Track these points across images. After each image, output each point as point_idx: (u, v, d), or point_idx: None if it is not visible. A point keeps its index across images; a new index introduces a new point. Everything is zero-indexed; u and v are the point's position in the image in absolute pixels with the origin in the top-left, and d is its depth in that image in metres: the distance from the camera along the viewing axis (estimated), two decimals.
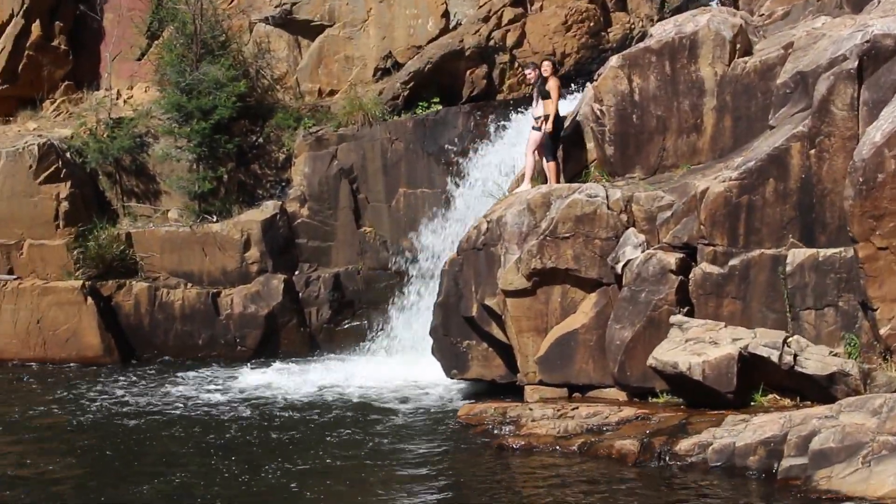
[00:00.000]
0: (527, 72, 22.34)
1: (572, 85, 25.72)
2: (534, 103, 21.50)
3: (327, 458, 16.76)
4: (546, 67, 21.20)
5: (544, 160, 20.97)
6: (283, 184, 27.84)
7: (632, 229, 19.03)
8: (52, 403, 21.53)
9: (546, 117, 20.87)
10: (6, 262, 27.15)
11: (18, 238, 27.09)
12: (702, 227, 18.38)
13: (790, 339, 16.90)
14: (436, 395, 21.49)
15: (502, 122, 25.84)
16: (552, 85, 20.93)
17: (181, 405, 21.06)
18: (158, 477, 15.79)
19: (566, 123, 21.32)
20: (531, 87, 22.23)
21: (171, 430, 19.00)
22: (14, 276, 27.01)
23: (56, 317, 26.60)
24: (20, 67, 30.12)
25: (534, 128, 21.25)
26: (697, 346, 17.15)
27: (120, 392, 22.55)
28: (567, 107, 22.42)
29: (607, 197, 19.36)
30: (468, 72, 27.72)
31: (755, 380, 16.97)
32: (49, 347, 26.66)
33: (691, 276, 18.45)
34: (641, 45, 20.83)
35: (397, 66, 28.23)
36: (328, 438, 18.01)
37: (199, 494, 14.91)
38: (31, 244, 27.09)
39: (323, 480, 15.49)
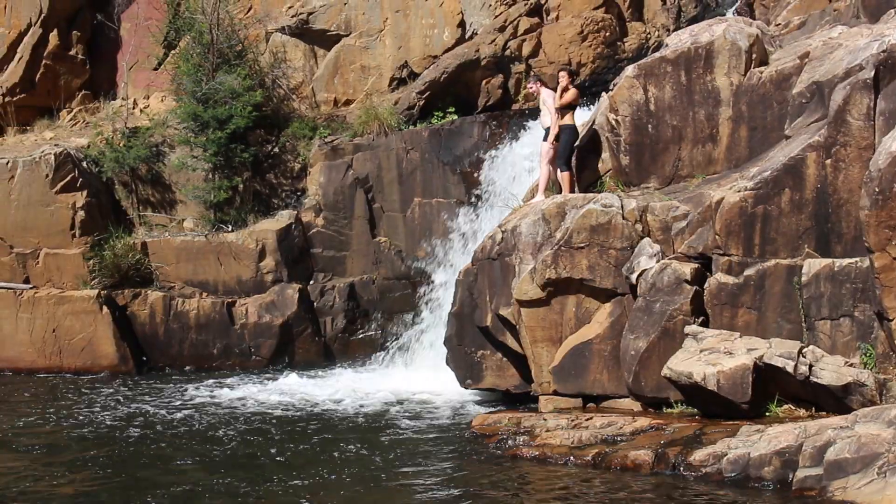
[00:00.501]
0: (529, 85, 22.39)
1: (587, 95, 25.71)
2: (541, 114, 21.57)
3: (339, 467, 16.71)
4: (563, 77, 21.24)
5: (558, 170, 20.98)
6: (299, 193, 27.87)
7: (647, 239, 18.99)
8: (65, 412, 21.52)
9: (560, 128, 20.95)
10: (22, 270, 27.19)
11: (34, 247, 27.14)
12: (717, 237, 18.33)
13: (805, 349, 16.82)
14: (450, 405, 21.44)
15: (517, 132, 25.84)
16: (567, 97, 20.98)
17: (192, 415, 21.02)
18: (164, 488, 15.73)
19: (581, 133, 21.30)
20: (536, 98, 22.30)
21: (178, 440, 18.95)
22: (30, 286, 27.06)
23: (71, 326, 26.64)
24: (37, 76, 30.28)
25: (545, 139, 21.33)
26: (712, 357, 17.09)
27: (133, 401, 22.54)
28: (582, 117, 22.41)
29: (622, 207, 19.33)
30: (484, 81, 27.75)
31: (770, 390, 16.91)
32: (64, 356, 26.69)
33: (706, 286, 18.40)
34: (657, 54, 20.80)
35: (413, 75, 28.28)
36: (341, 448, 17.96)
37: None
38: (47, 253, 27.13)
39: (336, 491, 15.43)
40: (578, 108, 21.81)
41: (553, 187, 21.19)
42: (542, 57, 27.60)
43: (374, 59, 28.73)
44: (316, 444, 18.43)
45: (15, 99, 30.17)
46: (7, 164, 27.26)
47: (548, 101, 21.35)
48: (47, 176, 26.94)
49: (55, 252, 27.12)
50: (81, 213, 27.08)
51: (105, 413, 21.40)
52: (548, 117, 21.33)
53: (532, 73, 23.36)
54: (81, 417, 21.02)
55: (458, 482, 15.85)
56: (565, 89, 21.14)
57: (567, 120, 21.14)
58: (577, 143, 21.12)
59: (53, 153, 27.21)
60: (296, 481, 15.90)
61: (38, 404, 22.49)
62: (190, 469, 16.93)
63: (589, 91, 26.17)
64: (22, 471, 16.84)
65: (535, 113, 25.83)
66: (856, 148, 17.43)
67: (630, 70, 20.70)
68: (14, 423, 20.68)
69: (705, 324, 18.22)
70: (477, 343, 21.15)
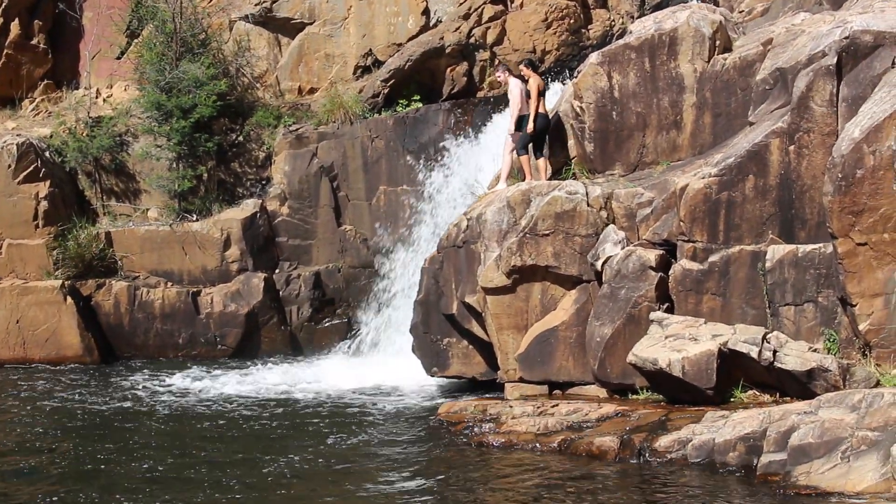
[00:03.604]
0: (497, 74, 22.34)
1: (553, 82, 25.72)
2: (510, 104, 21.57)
3: (304, 456, 16.69)
4: (524, 71, 21.21)
5: (531, 157, 20.95)
6: (264, 182, 27.78)
7: (612, 226, 19.03)
8: (28, 405, 21.42)
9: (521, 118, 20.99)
10: None
11: None
12: (681, 223, 18.38)
13: (770, 335, 16.88)
14: (416, 393, 21.46)
15: (483, 119, 25.82)
16: (531, 84, 20.93)
17: (155, 405, 20.98)
18: (127, 478, 15.70)
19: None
20: (504, 87, 22.24)
21: (141, 430, 18.90)
22: None
23: (35, 316, 26.48)
24: None
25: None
26: (677, 343, 17.15)
27: (96, 392, 22.46)
28: (547, 104, 22.41)
29: (587, 194, 19.37)
30: (448, 69, 27.71)
31: (735, 376, 16.98)
32: (29, 347, 26.53)
33: (671, 272, 18.46)
34: (621, 41, 20.83)
35: (378, 63, 28.21)
36: (305, 438, 17.95)
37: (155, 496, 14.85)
38: (10, 244, 26.95)
39: (300, 480, 15.43)
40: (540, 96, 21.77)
41: (517, 175, 21.18)
42: (507, 44, 27.56)
43: (339, 47, 28.65)
44: (279, 433, 18.41)
45: None
46: None
47: (514, 90, 21.32)
48: (9, 166, 26.76)
49: (18, 243, 26.95)
50: (45, 204, 26.91)
51: (68, 404, 21.32)
52: (515, 107, 21.30)
53: (498, 62, 23.28)
54: (45, 408, 20.93)
55: (424, 470, 15.87)
56: (527, 81, 21.09)
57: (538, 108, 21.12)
58: (544, 130, 21.07)
59: (16, 143, 27.02)
60: (258, 470, 15.88)
61: (1, 395, 22.37)
62: (153, 459, 16.83)
63: (554, 78, 26.17)
64: None
65: (500, 101, 25.88)
66: (819, 134, 17.50)
67: (594, 57, 20.71)
68: None
69: (670, 310, 18.28)
70: (443, 331, 21.15)
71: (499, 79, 22.37)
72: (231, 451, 17.25)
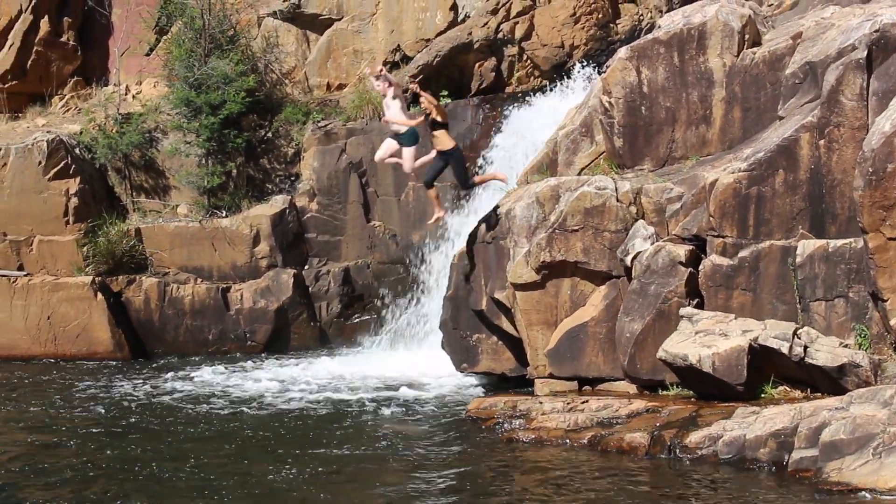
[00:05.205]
0: (377, 84, 21.74)
1: (578, 78, 25.76)
2: (388, 114, 21.34)
3: (333, 452, 16.71)
4: (423, 100, 20.82)
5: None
6: (293, 178, 27.85)
7: (641, 221, 18.99)
8: (60, 399, 21.53)
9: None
10: (16, 258, 27.15)
11: (28, 234, 27.09)
12: (711, 218, 18.32)
13: (800, 330, 16.83)
14: (445, 389, 21.46)
15: (511, 115, 25.80)
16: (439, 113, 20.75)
17: (186, 401, 21.04)
18: (158, 472, 15.76)
19: (574, 115, 21.27)
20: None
21: (173, 425, 18.96)
22: (24, 272, 27.03)
23: (66, 313, 26.61)
24: (29, 63, 30.21)
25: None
26: (707, 339, 17.10)
27: (126, 387, 22.54)
28: (576, 100, 22.42)
29: (616, 189, 19.32)
30: (477, 64, 27.69)
31: (765, 371, 16.93)
32: (59, 343, 26.68)
33: (701, 267, 18.39)
34: (650, 36, 20.72)
35: (406, 59, 28.23)
36: (336, 433, 17.97)
37: (194, 493, 14.88)
38: (41, 240, 27.09)
39: (329, 476, 15.44)
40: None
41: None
42: (535, 39, 27.54)
43: (367, 42, 28.68)
44: (308, 429, 18.45)
45: (6, 86, 30.10)
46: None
47: (391, 105, 21.07)
48: (40, 163, 26.89)
49: (49, 239, 27.08)
50: (75, 200, 27.03)
51: (99, 399, 21.42)
52: (401, 115, 21.10)
53: (381, 72, 22.20)
54: (76, 403, 21.04)
55: (455, 466, 15.88)
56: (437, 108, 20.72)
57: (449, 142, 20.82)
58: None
59: (46, 140, 27.16)
60: (290, 465, 15.90)
61: (33, 391, 22.51)
62: (178, 453, 16.87)
63: (581, 73, 26.17)
64: (9, 456, 16.83)
65: (529, 95, 25.87)
66: (849, 128, 17.42)
67: (623, 52, 20.63)
68: (8, 408, 20.74)
69: (700, 306, 18.22)
70: (472, 327, 21.15)
71: (378, 89, 21.70)
72: (257, 448, 17.26)
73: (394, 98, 20.99)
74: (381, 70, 21.35)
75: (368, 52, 28.60)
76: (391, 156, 21.34)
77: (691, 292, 18.29)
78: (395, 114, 20.95)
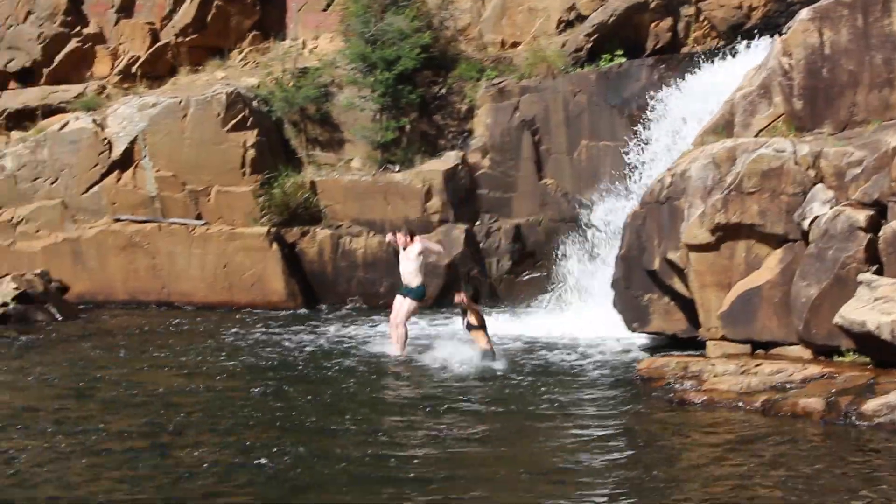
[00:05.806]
0: (391, 237, 22.09)
1: (758, 39, 25.41)
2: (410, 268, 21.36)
3: (500, 409, 16.79)
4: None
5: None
6: (465, 135, 28.05)
7: (820, 185, 18.73)
8: (236, 345, 22.07)
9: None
10: (195, 207, 27.88)
11: (206, 184, 27.79)
12: (893, 184, 18.01)
13: None
14: (616, 348, 21.50)
15: (686, 75, 25.55)
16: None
17: (357, 353, 21.37)
18: (318, 424, 15.88)
19: (753, 77, 21.03)
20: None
21: (346, 376, 19.24)
22: (202, 222, 27.72)
23: (242, 262, 27.27)
24: (209, 17, 30.94)
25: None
26: (887, 306, 16.83)
27: (300, 338, 23.01)
28: (753, 60, 22.17)
29: (795, 152, 19.09)
30: (652, 24, 27.48)
31: None
32: (235, 292, 27.36)
33: (881, 233, 18.07)
34: None
35: (581, 18, 28.16)
36: (504, 390, 18.10)
37: (352, 449, 15.07)
38: (219, 190, 27.76)
39: (495, 432, 15.51)
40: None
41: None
42: (713, 0, 27.23)
43: (542, 0, 28.65)
44: (478, 385, 18.59)
45: (187, 39, 30.84)
46: (180, 103, 27.94)
47: (411, 253, 21.20)
48: (219, 115, 27.52)
49: (226, 190, 27.73)
50: (252, 152, 27.63)
51: (271, 347, 21.90)
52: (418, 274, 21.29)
53: (404, 228, 22.19)
54: (247, 351, 21.49)
55: (623, 426, 15.87)
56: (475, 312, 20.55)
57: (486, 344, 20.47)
58: None
59: (225, 92, 27.79)
60: (461, 420, 16.05)
61: (208, 337, 23.05)
62: (349, 408, 16.97)
63: (760, 35, 25.80)
64: (192, 406, 17.22)
65: (705, 56, 25.54)
66: None
67: (804, 13, 20.35)
68: (188, 352, 21.32)
69: (879, 272, 17.92)
70: (644, 286, 21.14)
71: (398, 242, 21.72)
72: (427, 404, 17.35)
73: (418, 254, 21.22)
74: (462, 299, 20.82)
75: (543, 10, 28.60)
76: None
77: (871, 258, 17.99)
78: (412, 267, 21.24)
